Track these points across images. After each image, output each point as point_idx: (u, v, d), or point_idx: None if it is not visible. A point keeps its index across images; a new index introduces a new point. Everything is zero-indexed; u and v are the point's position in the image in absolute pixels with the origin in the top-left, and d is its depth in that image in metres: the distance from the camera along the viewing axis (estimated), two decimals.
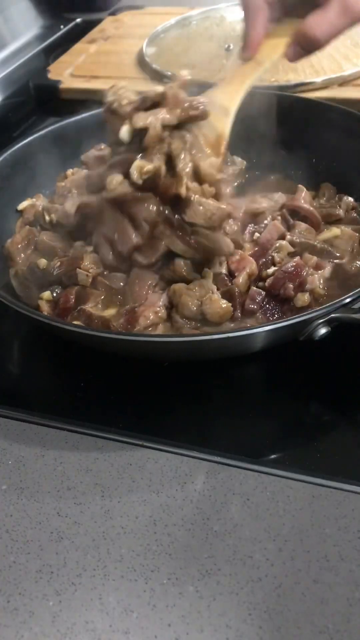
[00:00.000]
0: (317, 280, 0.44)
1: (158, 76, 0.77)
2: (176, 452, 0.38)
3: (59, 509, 0.36)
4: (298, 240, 0.47)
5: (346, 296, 0.37)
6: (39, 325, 0.41)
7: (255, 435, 0.39)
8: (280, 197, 0.52)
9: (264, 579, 0.32)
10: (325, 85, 0.71)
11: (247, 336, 0.37)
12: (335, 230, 0.49)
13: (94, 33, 0.94)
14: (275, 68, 0.73)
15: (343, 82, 0.72)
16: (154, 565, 0.33)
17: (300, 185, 0.53)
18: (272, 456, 0.38)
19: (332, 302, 0.37)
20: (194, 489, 0.36)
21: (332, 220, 0.51)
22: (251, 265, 0.44)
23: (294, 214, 0.50)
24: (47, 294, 0.45)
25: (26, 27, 0.92)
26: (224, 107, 0.45)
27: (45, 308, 0.44)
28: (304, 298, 0.42)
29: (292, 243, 0.47)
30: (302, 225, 0.49)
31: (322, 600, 0.31)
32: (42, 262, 0.47)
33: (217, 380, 0.43)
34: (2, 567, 0.34)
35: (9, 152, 0.55)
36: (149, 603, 0.31)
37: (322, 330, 0.37)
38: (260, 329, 0.36)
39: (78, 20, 1.03)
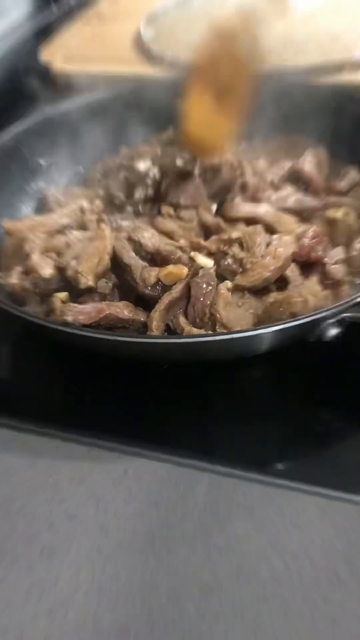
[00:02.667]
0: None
1: (156, 59, 0.74)
2: (176, 462, 0.36)
3: (50, 522, 0.34)
4: None
5: (357, 295, 0.35)
6: (31, 328, 0.39)
7: (261, 443, 0.38)
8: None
9: (270, 597, 0.30)
10: (338, 67, 0.68)
11: (251, 337, 0.35)
12: (336, 214, 0.47)
13: (88, 14, 0.90)
14: (284, 48, 0.70)
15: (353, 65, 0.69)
16: (152, 583, 0.31)
17: (310, 149, 0.52)
18: (279, 466, 0.36)
19: (342, 302, 0.35)
20: (195, 501, 0.35)
21: (333, 192, 0.50)
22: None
23: (297, 180, 0.50)
24: (63, 295, 0.42)
25: (16, 6, 0.88)
26: None
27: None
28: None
29: None
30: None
31: (333, 621, 0.29)
32: (47, 272, 0.43)
33: (220, 385, 0.41)
34: None
35: None
36: (147, 623, 0.30)
37: (333, 331, 0.35)
38: (267, 330, 0.34)
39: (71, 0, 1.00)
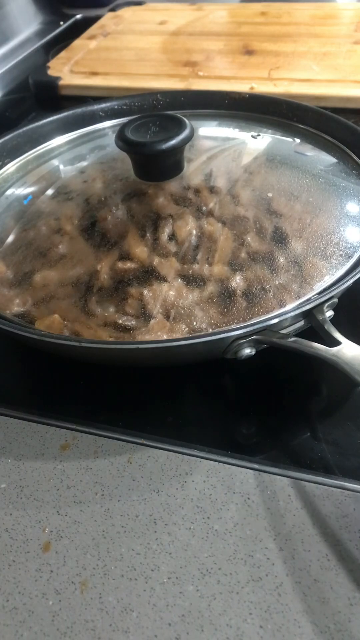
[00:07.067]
0: None
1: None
2: (177, 451, 0.38)
3: (58, 507, 0.36)
4: None
5: (272, 316, 0.34)
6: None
7: (257, 433, 0.39)
8: None
9: (265, 578, 0.32)
10: None
11: (161, 348, 0.33)
12: None
13: (93, 29, 0.93)
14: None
15: None
16: (154, 564, 0.33)
17: None
18: (274, 455, 0.37)
19: (254, 321, 0.34)
20: (194, 487, 0.36)
21: None
22: None
23: None
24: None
25: (26, 23, 0.92)
26: None
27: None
28: None
29: None
30: None
31: (323, 600, 0.31)
32: None
33: (219, 378, 0.43)
34: (2, 566, 0.34)
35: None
36: (149, 602, 0.31)
37: (247, 351, 0.34)
38: (167, 344, 0.33)
39: (78, 16, 1.03)
